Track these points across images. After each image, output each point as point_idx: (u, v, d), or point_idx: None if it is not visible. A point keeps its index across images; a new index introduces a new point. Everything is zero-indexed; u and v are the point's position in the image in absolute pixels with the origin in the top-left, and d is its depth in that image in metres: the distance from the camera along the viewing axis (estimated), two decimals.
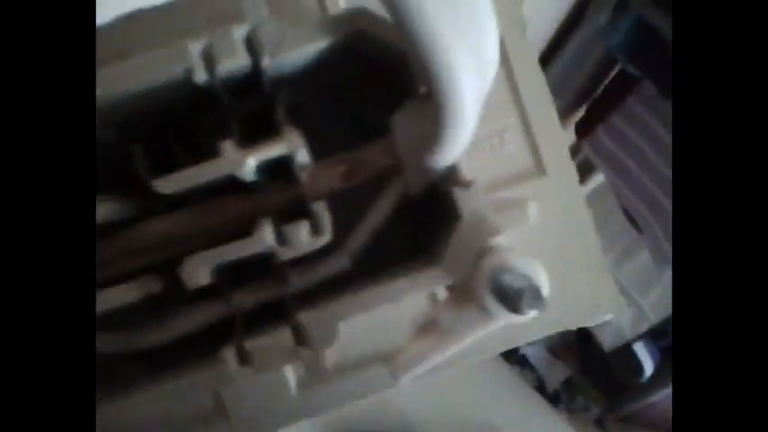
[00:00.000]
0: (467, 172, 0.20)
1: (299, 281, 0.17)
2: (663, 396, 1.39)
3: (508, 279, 0.16)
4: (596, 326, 1.43)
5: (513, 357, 1.54)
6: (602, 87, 1.16)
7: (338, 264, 0.17)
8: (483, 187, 0.20)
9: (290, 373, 0.17)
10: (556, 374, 1.53)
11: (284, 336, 0.16)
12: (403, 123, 0.17)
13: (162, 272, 0.17)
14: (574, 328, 0.23)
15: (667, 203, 1.04)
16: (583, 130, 1.16)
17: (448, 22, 0.12)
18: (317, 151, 0.17)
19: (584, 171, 1.34)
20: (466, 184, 0.17)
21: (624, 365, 1.40)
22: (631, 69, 0.98)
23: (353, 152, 0.17)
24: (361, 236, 0.18)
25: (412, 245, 0.18)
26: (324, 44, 0.16)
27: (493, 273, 0.16)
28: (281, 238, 0.16)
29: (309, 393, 0.18)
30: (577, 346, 1.58)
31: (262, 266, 0.17)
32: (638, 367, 1.37)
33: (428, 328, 0.17)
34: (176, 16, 0.18)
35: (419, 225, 0.19)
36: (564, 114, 1.19)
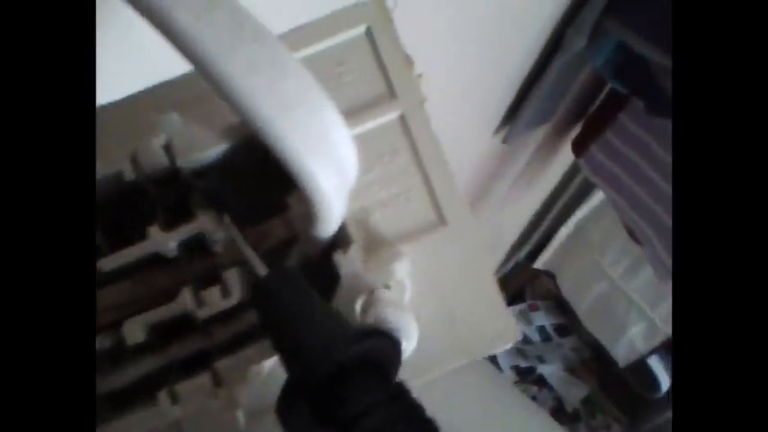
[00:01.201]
0: (380, 224, 0.24)
1: (219, 334, 0.21)
2: None
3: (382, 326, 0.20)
4: (609, 341, 1.44)
5: (531, 377, 1.55)
6: (594, 106, 1.19)
7: (249, 319, 0.21)
8: (394, 238, 0.24)
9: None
10: (574, 393, 1.54)
11: (206, 379, 0.20)
12: (296, 204, 0.21)
13: (108, 332, 0.21)
14: (480, 356, 0.26)
15: (665, 217, 1.06)
16: (578, 148, 1.19)
17: (306, 147, 0.17)
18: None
19: (585, 189, 1.36)
20: (345, 249, 0.21)
21: (640, 380, 1.41)
22: (619, 87, 1.01)
23: (257, 227, 0.21)
24: None
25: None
26: (225, 146, 0.20)
27: (372, 321, 0.20)
28: (199, 301, 0.20)
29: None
30: (595, 363, 1.59)
31: (189, 323, 0.21)
32: (655, 382, 1.38)
33: None
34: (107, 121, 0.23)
35: (320, 280, 0.23)
36: (557, 136, 1.22)
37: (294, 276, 0.19)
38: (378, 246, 0.24)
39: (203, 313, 0.21)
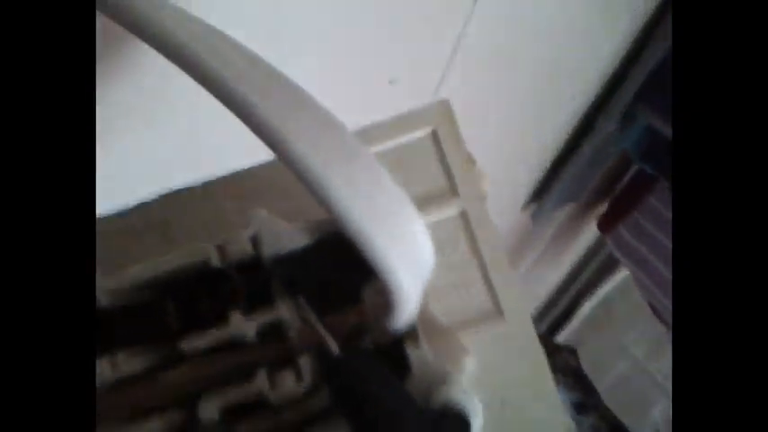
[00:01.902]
0: (438, 312, 0.26)
1: (291, 415, 0.22)
2: None
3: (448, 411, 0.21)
4: (631, 422, 1.40)
5: None
6: (621, 185, 1.21)
7: (319, 403, 0.22)
8: (453, 326, 0.26)
9: None
10: None
11: None
12: (370, 296, 0.22)
13: (181, 408, 0.22)
14: None
15: None
16: (605, 226, 1.20)
17: (393, 251, 0.18)
18: (304, 314, 0.23)
19: (608, 266, 1.36)
20: (416, 342, 0.22)
21: None
22: (647, 169, 1.03)
23: (331, 317, 0.23)
24: None
25: None
26: (309, 240, 0.22)
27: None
28: (273, 384, 0.22)
29: None
30: None
31: (258, 404, 0.22)
32: None
33: None
34: (207, 199, 0.25)
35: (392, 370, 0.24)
36: (583, 212, 1.23)
37: (369, 357, 0.20)
38: (437, 332, 0.25)
39: (276, 395, 0.22)
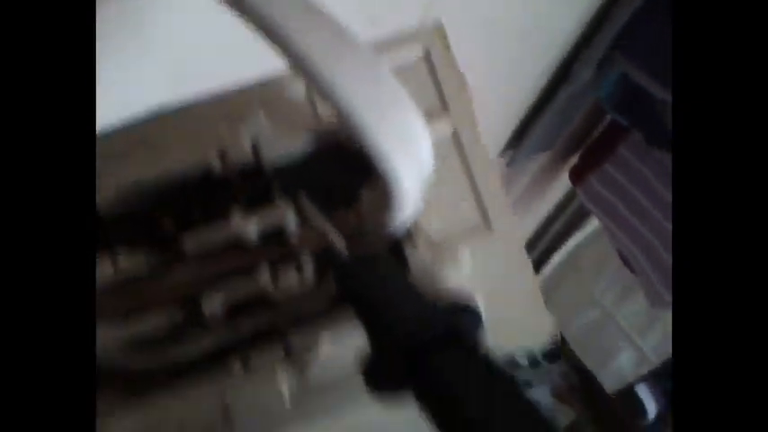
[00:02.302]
0: (433, 228, 0.27)
1: (290, 311, 0.23)
2: None
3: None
4: (597, 368, 1.46)
5: None
6: (594, 136, 1.23)
7: (319, 301, 0.24)
8: (443, 239, 0.27)
9: (285, 388, 0.24)
10: (561, 419, 1.56)
11: (277, 351, 0.23)
12: (367, 197, 0.23)
13: (184, 306, 0.23)
14: (518, 348, 0.29)
15: (659, 246, 1.09)
16: (576, 177, 1.22)
17: (394, 141, 0.19)
18: (304, 217, 0.24)
19: (580, 216, 1.40)
20: (414, 242, 0.23)
21: (627, 407, 1.43)
22: (619, 119, 1.05)
23: (331, 219, 0.24)
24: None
25: None
26: (309, 145, 0.23)
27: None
28: (275, 281, 0.23)
29: (299, 404, 0.24)
30: (582, 390, 1.61)
31: (262, 302, 0.24)
32: (641, 409, 1.40)
33: None
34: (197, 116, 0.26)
35: None
36: (556, 163, 1.25)
37: (385, 257, 0.21)
38: (431, 243, 0.26)
39: (278, 292, 0.23)
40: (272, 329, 0.24)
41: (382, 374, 0.19)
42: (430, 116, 0.29)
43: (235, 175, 0.23)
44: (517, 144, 0.97)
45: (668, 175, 1.05)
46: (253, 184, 0.24)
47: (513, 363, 1.60)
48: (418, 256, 0.23)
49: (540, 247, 1.53)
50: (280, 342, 0.23)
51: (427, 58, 0.30)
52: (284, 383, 0.25)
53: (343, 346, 0.23)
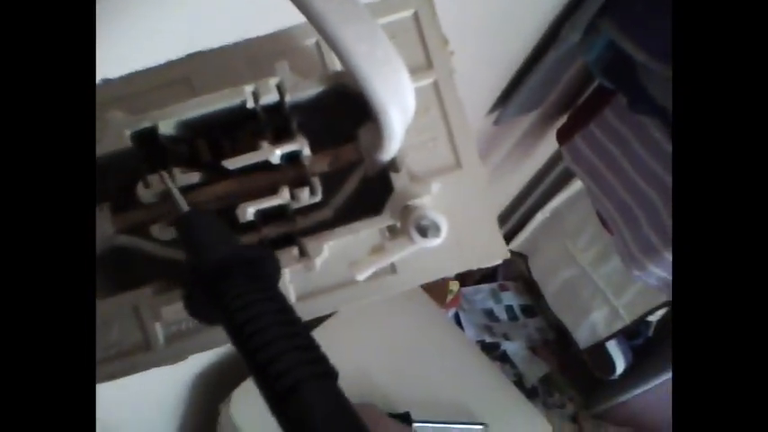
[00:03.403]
0: (413, 164, 0.34)
1: (303, 222, 0.31)
2: (634, 395, 1.53)
3: (423, 221, 0.30)
4: (572, 324, 1.57)
5: (495, 353, 1.68)
6: (582, 98, 1.30)
7: (325, 215, 0.31)
8: (422, 173, 0.34)
9: (291, 291, 0.32)
10: (534, 371, 1.67)
11: (293, 251, 0.30)
12: (364, 135, 0.31)
13: (222, 214, 0.31)
14: (474, 267, 0.37)
15: (636, 209, 1.17)
16: (563, 136, 1.30)
17: (386, 91, 0.26)
18: (314, 148, 0.31)
19: (564, 178, 1.48)
20: (398, 170, 0.31)
21: (598, 362, 1.54)
22: (605, 83, 1.11)
23: (335, 150, 0.31)
24: (339, 199, 0.32)
25: (369, 205, 0.33)
26: (321, 89, 0.30)
27: (415, 218, 0.30)
28: (293, 196, 0.30)
29: (304, 302, 0.33)
30: (556, 344, 1.72)
31: (279, 213, 0.31)
32: (611, 364, 1.51)
33: (377, 249, 0.31)
34: (224, 59, 0.33)
35: (374, 193, 0.33)
36: (544, 124, 1.32)
37: (208, 213, 0.28)
38: (411, 172, 0.34)
39: (295, 206, 0.31)
40: (289, 235, 0.31)
41: (193, 300, 0.25)
42: (417, 69, 0.36)
43: (262, 111, 0.31)
44: (505, 103, 1.04)
45: (649, 138, 1.12)
46: (276, 118, 0.31)
47: (492, 316, 1.71)
48: (399, 180, 0.31)
49: (525, 206, 1.61)
50: (295, 246, 0.31)
51: (415, 18, 0.36)
52: (291, 283, 0.33)
53: (341, 252, 0.31)
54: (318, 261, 0.30)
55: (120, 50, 0.39)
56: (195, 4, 0.42)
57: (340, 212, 0.32)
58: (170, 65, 0.35)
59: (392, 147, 0.29)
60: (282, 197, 0.30)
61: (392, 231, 0.32)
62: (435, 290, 1.54)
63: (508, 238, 1.65)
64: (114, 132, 0.30)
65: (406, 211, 0.31)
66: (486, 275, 1.79)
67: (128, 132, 0.30)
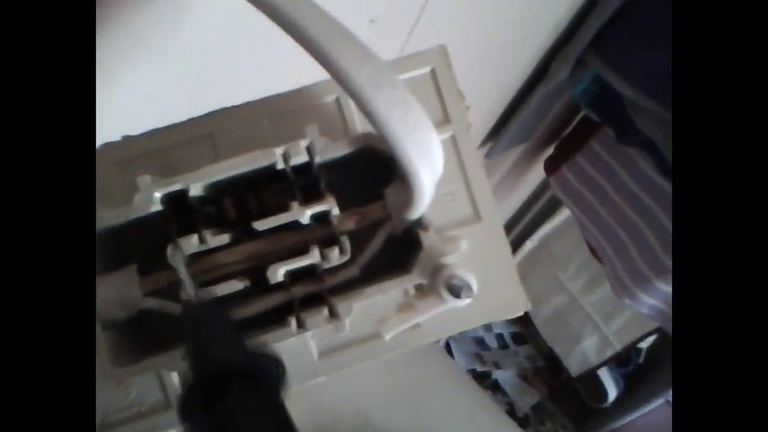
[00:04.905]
0: (433, 218, 0.35)
1: (330, 281, 0.32)
2: (626, 422, 1.53)
3: (455, 281, 0.30)
4: (563, 352, 1.58)
5: (486, 382, 1.68)
6: (568, 130, 1.32)
7: (353, 272, 0.32)
8: (442, 227, 0.35)
9: (313, 347, 0.32)
10: (526, 399, 1.68)
11: (323, 312, 0.31)
12: (391, 194, 0.32)
13: (250, 274, 0.31)
14: (497, 320, 0.37)
15: (626, 238, 1.19)
16: (550, 167, 1.32)
17: (418, 155, 0.27)
18: (341, 206, 0.32)
19: (552, 206, 1.50)
20: (426, 228, 0.31)
21: (589, 390, 1.55)
22: (592, 116, 1.14)
23: (362, 209, 0.32)
24: (366, 256, 0.32)
25: (397, 263, 0.33)
26: (349, 150, 0.31)
27: (446, 277, 0.31)
28: (323, 257, 0.31)
29: (327, 358, 0.33)
30: (547, 372, 1.73)
31: (310, 273, 0.32)
32: (603, 392, 1.52)
33: (405, 308, 0.31)
34: (246, 116, 0.34)
35: (402, 252, 0.33)
36: (532, 155, 1.35)
37: (216, 308, 0.28)
38: (438, 229, 0.34)
39: (325, 265, 0.31)
40: (320, 296, 0.32)
41: (187, 405, 0.24)
42: (435, 124, 0.37)
43: (291, 172, 0.31)
44: (496, 137, 1.06)
45: (636, 169, 1.14)
46: (305, 179, 0.32)
47: (483, 344, 1.71)
48: (428, 239, 0.32)
49: (514, 234, 1.62)
50: (325, 305, 0.31)
51: (433, 75, 0.37)
52: (312, 339, 0.34)
53: (366, 308, 0.32)
54: (347, 321, 0.31)
55: (139, 111, 0.39)
56: (207, 66, 0.43)
57: (366, 270, 0.33)
58: (192, 121, 0.35)
59: (421, 206, 0.30)
60: (313, 257, 0.31)
61: (419, 289, 0.32)
62: None
63: None
64: (144, 196, 0.30)
65: (435, 270, 0.31)
66: None
67: (158, 195, 0.30)
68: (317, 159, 0.31)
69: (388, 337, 0.32)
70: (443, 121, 0.37)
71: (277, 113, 0.35)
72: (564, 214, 1.50)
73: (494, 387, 1.69)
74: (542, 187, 1.50)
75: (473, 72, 0.87)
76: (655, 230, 1.11)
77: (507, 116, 1.04)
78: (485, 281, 0.36)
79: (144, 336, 0.32)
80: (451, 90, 0.38)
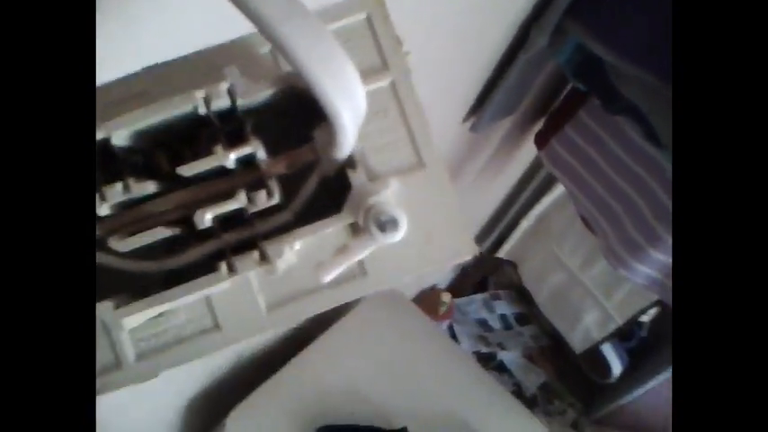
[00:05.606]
0: (376, 166, 0.34)
1: (263, 227, 0.31)
2: (633, 397, 1.52)
3: (382, 216, 0.30)
4: (566, 329, 1.57)
5: (492, 364, 1.68)
6: (557, 101, 1.31)
7: (286, 217, 0.31)
8: (385, 174, 0.35)
9: (261, 301, 0.32)
10: (532, 379, 1.67)
11: (254, 255, 0.30)
12: (319, 135, 0.31)
13: (182, 224, 0.31)
14: (443, 264, 0.37)
15: (617, 208, 1.18)
16: (541, 141, 1.31)
17: (333, 84, 0.27)
18: (272, 152, 0.31)
19: (547, 182, 1.49)
20: (354, 167, 0.31)
21: (594, 366, 1.55)
22: (578, 85, 1.13)
23: (292, 152, 0.31)
24: (299, 201, 0.32)
25: (329, 204, 0.33)
26: (273, 91, 0.30)
27: (374, 214, 0.30)
28: (251, 201, 0.30)
29: (275, 311, 0.33)
30: (552, 351, 1.72)
31: (239, 218, 0.31)
32: (607, 368, 1.52)
33: (341, 250, 0.31)
34: (182, 70, 0.33)
35: (337, 196, 0.33)
36: (522, 129, 1.34)
37: None
38: (369, 169, 0.34)
39: (253, 209, 0.31)
40: (250, 241, 0.31)
41: None
42: (373, 71, 0.37)
43: (215, 117, 0.31)
44: (480, 110, 1.05)
45: (625, 138, 1.13)
46: (229, 124, 0.31)
47: (486, 326, 1.71)
48: (357, 178, 0.31)
49: (511, 213, 1.61)
50: (256, 250, 0.31)
51: (369, 21, 0.37)
52: (259, 293, 0.33)
53: (309, 257, 0.31)
54: (281, 264, 0.30)
55: None
56: (150, 18, 0.43)
57: (301, 215, 0.32)
58: (126, 79, 0.35)
59: (346, 143, 0.30)
60: (239, 201, 0.30)
61: (356, 231, 0.32)
62: (427, 302, 1.54)
63: (496, 245, 1.65)
64: None
65: (367, 210, 0.31)
66: (479, 285, 1.80)
67: None
68: (240, 102, 0.31)
69: (326, 279, 0.31)
70: (381, 67, 0.37)
71: (213, 66, 0.35)
72: (558, 191, 1.49)
73: (500, 368, 1.68)
74: (536, 164, 1.49)
75: (450, 42, 0.87)
76: (646, 199, 1.09)
77: (490, 87, 1.03)
78: (430, 226, 0.36)
79: None
80: (388, 36, 0.37)
